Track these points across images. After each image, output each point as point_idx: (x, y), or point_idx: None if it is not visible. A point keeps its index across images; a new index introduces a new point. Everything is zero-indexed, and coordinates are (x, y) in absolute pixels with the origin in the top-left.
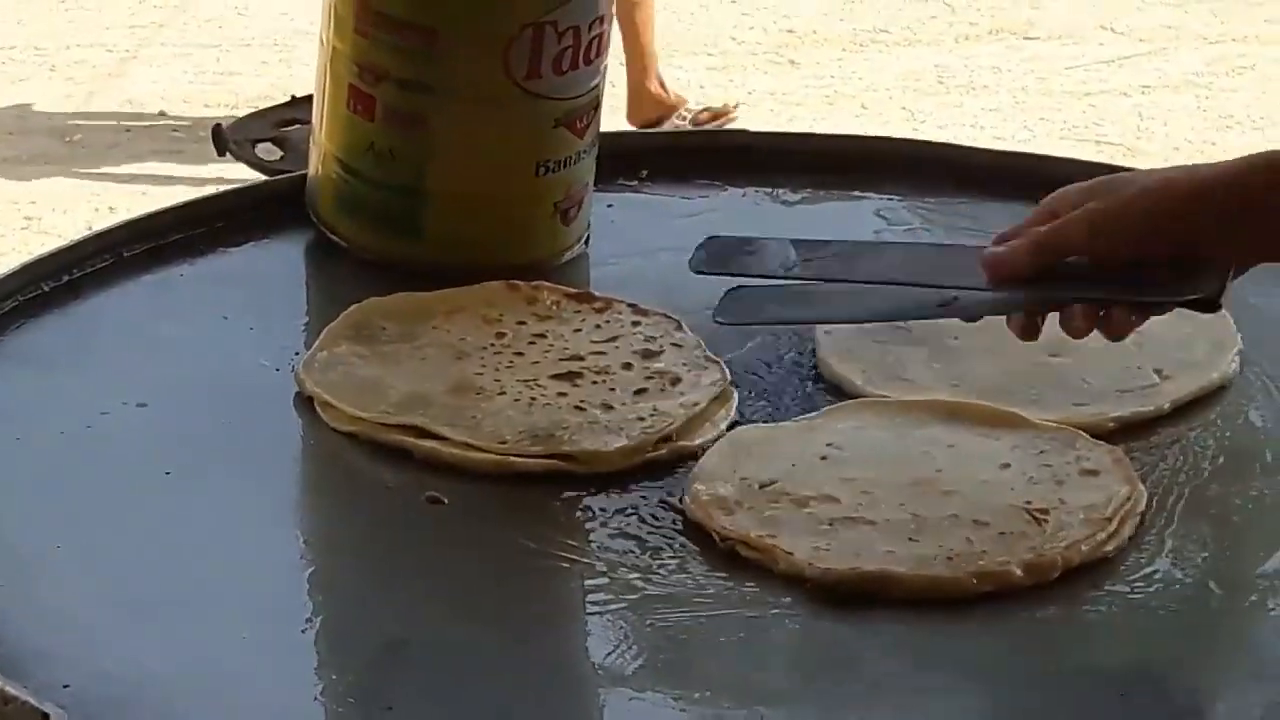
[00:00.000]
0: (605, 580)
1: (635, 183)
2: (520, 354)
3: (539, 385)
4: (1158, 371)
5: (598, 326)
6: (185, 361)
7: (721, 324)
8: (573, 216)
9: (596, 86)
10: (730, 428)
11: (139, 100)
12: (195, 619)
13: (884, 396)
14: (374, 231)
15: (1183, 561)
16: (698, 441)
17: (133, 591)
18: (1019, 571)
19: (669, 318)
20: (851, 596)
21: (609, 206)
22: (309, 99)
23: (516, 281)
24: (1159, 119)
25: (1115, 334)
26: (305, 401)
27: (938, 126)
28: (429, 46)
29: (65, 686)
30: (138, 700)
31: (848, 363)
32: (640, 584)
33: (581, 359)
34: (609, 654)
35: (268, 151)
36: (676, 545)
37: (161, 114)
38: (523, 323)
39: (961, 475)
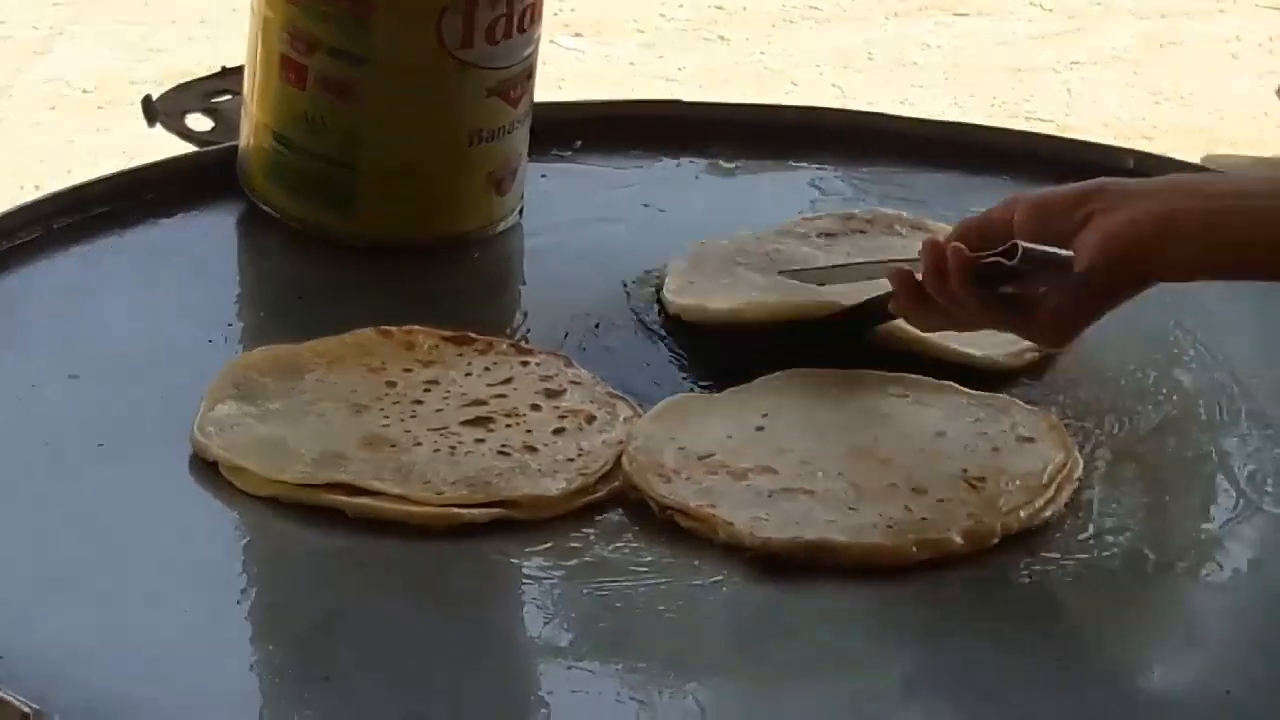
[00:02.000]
0: (543, 547)
1: (570, 153)
2: (419, 402)
3: (453, 433)
4: None
5: (486, 369)
6: (116, 333)
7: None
8: (506, 187)
9: (530, 56)
10: None
11: (64, 77)
12: (129, 592)
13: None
14: (306, 202)
15: (1118, 526)
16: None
17: (65, 564)
18: (958, 539)
19: (557, 355)
20: (791, 566)
21: (543, 177)
22: (240, 70)
23: (388, 327)
24: (1088, 95)
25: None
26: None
27: (868, 102)
28: (361, 15)
29: None
30: (71, 674)
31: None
32: (578, 551)
33: (485, 403)
34: (546, 622)
35: (198, 122)
36: (614, 513)
37: (86, 91)
38: (409, 370)
39: (898, 444)
